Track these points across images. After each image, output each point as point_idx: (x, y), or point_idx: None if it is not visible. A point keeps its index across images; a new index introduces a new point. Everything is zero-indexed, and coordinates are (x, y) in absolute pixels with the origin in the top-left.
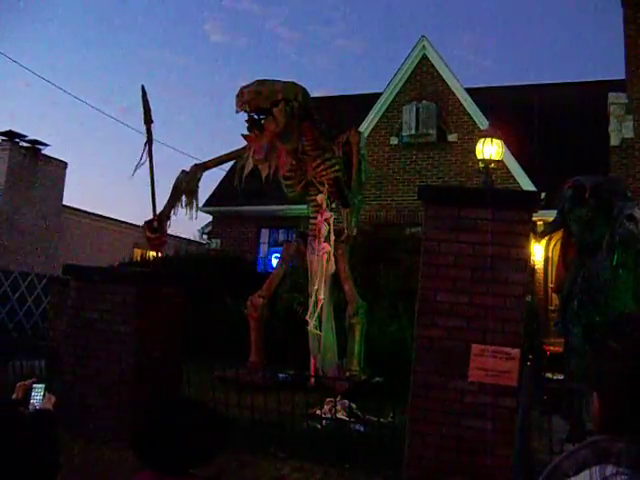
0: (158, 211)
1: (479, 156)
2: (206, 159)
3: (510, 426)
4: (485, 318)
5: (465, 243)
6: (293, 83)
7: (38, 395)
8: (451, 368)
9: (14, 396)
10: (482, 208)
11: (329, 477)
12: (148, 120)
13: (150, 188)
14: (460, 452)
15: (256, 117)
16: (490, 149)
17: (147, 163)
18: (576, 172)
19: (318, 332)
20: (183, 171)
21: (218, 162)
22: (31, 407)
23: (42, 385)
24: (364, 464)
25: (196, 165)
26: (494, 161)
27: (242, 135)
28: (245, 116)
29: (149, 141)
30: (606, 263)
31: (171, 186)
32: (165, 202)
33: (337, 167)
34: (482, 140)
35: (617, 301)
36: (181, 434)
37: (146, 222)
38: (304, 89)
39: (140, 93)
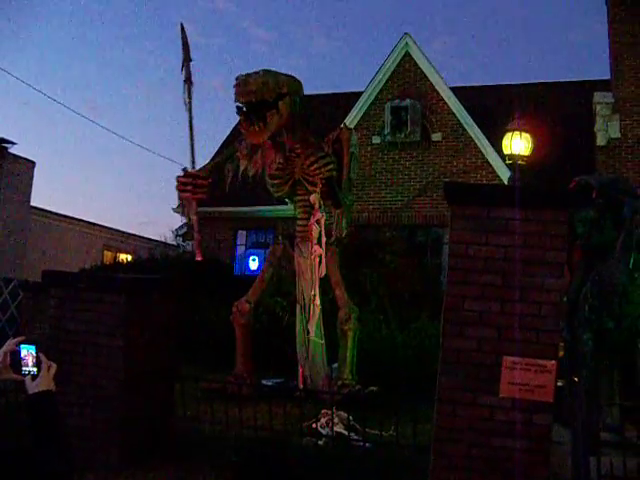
0: (196, 159)
1: (506, 151)
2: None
3: (546, 445)
4: (518, 328)
5: (495, 246)
6: (294, 77)
7: (29, 359)
8: (480, 382)
9: None
10: (513, 208)
11: None
12: (187, 58)
13: (189, 131)
14: (491, 474)
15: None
16: (519, 144)
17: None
18: (560, 172)
19: (321, 341)
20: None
21: (214, 168)
22: (25, 374)
23: (32, 346)
24: None
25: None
26: (522, 156)
27: (241, 129)
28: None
29: (188, 80)
30: (621, 266)
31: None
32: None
33: (331, 166)
34: (509, 135)
35: (632, 306)
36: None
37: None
38: (302, 84)
39: (179, 30)
